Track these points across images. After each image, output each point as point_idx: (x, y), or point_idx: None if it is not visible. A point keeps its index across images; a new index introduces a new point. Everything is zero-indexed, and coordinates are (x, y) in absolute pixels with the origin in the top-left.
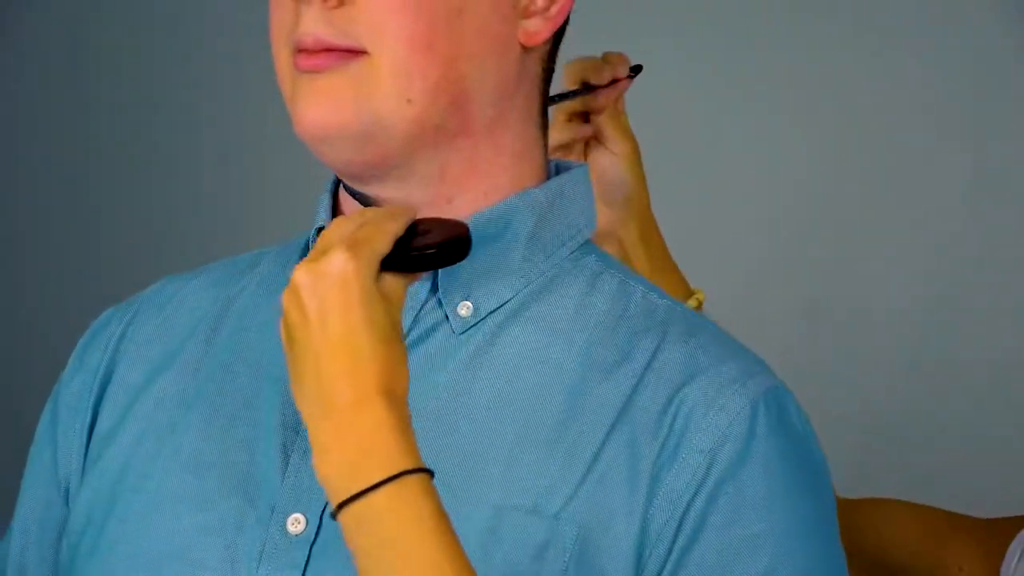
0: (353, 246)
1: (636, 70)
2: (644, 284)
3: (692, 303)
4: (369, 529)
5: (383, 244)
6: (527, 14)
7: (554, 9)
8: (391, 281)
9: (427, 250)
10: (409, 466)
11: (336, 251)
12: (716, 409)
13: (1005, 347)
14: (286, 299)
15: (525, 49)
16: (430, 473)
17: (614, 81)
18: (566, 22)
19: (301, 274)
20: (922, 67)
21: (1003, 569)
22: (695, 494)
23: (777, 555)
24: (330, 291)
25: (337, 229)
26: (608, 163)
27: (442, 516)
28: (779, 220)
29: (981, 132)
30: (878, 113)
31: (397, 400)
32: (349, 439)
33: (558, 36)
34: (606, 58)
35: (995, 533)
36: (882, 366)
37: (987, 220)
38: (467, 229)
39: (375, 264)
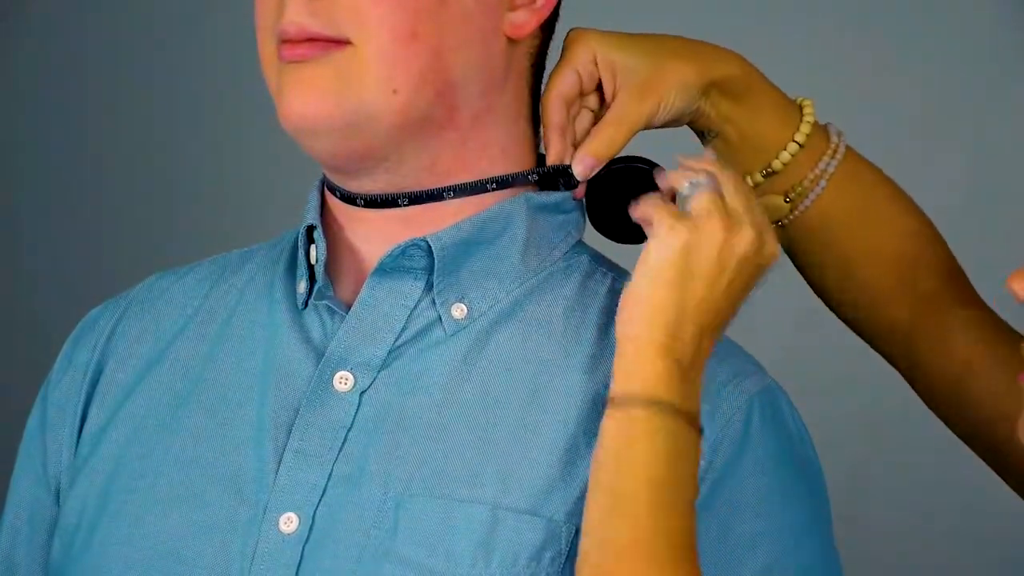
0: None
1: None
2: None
3: (808, 113)
4: (659, 436)
5: None
6: (513, 6)
7: (540, 1)
8: None
9: None
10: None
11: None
12: (711, 409)
13: None
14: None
15: (512, 42)
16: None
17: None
18: (555, 18)
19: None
20: (920, 67)
21: None
22: None
23: (775, 554)
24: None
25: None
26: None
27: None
28: None
29: (980, 132)
30: (876, 113)
31: None
32: (694, 370)
33: (547, 32)
34: None
35: None
36: (880, 366)
37: (986, 220)
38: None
39: None
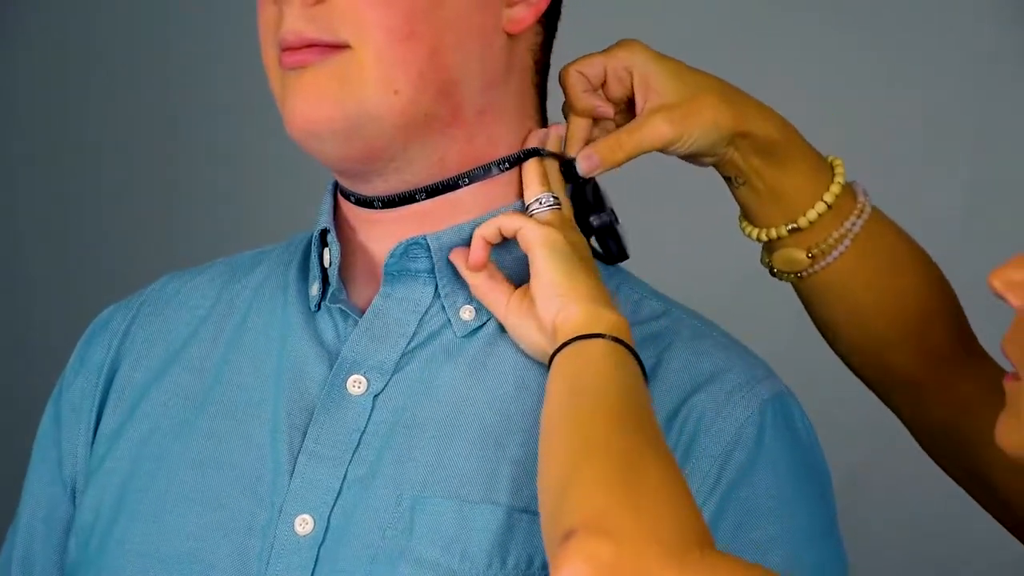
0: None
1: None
2: (647, 290)
3: (839, 173)
4: (582, 360)
5: None
6: (510, 2)
7: None
8: None
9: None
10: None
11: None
12: (725, 415)
13: None
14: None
15: (511, 37)
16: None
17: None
18: (556, 14)
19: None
20: (921, 69)
21: None
22: (706, 499)
23: (787, 558)
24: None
25: None
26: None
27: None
28: None
29: (981, 135)
30: (876, 115)
31: None
32: (605, 313)
33: (549, 29)
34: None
35: None
36: None
37: (987, 223)
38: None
39: None
